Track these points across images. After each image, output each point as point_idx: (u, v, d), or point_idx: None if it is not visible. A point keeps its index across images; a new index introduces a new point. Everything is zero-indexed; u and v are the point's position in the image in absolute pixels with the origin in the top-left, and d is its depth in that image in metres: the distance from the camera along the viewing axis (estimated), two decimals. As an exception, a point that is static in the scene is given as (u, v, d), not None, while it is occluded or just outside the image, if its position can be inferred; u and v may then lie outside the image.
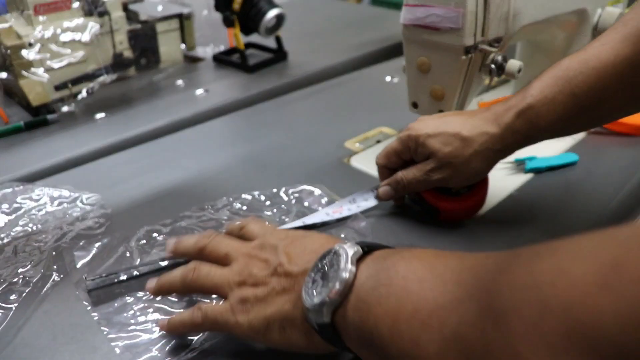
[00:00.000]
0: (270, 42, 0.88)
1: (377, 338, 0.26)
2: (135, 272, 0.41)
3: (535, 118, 0.41)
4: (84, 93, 0.69)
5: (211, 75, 0.82)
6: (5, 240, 0.45)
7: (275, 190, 0.52)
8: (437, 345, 0.23)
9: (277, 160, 0.59)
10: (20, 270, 0.42)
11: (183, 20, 0.81)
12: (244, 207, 0.50)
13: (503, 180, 0.54)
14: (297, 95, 0.76)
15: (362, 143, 0.62)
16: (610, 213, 0.49)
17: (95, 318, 0.38)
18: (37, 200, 0.51)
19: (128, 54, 0.74)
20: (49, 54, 0.64)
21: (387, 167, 0.49)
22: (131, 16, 0.74)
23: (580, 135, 0.61)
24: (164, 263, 0.42)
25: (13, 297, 0.39)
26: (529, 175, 0.55)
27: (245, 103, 0.73)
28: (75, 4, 0.67)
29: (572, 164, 0.56)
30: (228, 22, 0.81)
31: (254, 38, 0.87)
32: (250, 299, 0.33)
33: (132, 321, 0.38)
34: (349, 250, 0.29)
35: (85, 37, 0.67)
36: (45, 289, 0.40)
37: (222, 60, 0.85)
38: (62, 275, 0.42)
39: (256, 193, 0.52)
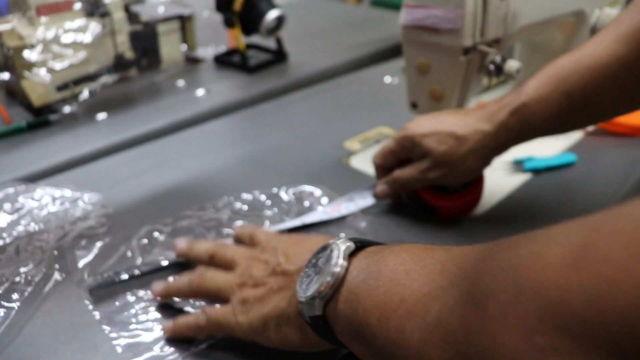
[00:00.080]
0: (271, 43, 0.88)
1: (366, 329, 0.26)
2: (137, 272, 0.42)
3: (529, 116, 0.42)
4: (85, 94, 0.70)
5: (212, 76, 0.82)
6: (8, 240, 0.46)
7: (275, 190, 0.53)
8: (420, 333, 0.23)
9: (277, 160, 0.59)
10: (22, 269, 0.42)
11: (184, 21, 0.81)
12: (245, 207, 0.50)
13: (501, 181, 0.54)
14: (297, 96, 0.76)
15: (361, 143, 0.62)
16: (608, 213, 0.49)
17: (97, 317, 0.38)
18: (38, 200, 0.51)
19: (129, 54, 0.74)
20: (51, 54, 0.65)
21: (384, 166, 0.49)
22: (132, 17, 0.74)
23: (579, 136, 0.62)
24: (165, 263, 0.42)
25: (15, 296, 0.40)
26: (528, 176, 0.55)
27: (245, 103, 0.74)
28: (77, 5, 0.67)
29: (570, 164, 0.56)
30: (229, 23, 0.81)
31: (255, 39, 0.88)
32: (250, 300, 0.34)
33: (134, 320, 0.38)
34: (342, 246, 0.30)
35: (87, 38, 0.67)
36: (47, 288, 0.41)
37: (223, 61, 0.86)
38: (63, 275, 0.42)
39: (257, 193, 0.52)
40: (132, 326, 0.37)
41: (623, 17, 0.40)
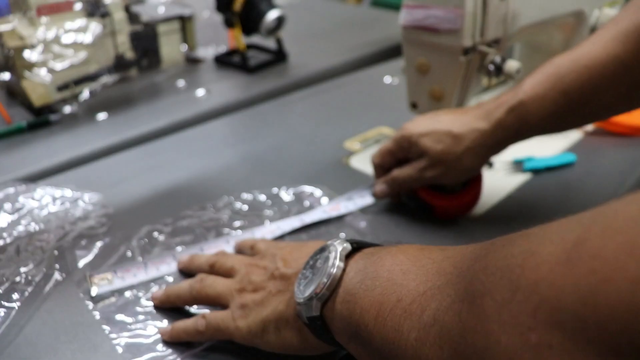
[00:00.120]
0: (271, 43, 0.88)
1: (363, 329, 0.27)
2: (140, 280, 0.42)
3: (525, 114, 0.42)
4: (86, 94, 0.70)
5: (212, 76, 0.82)
6: (8, 240, 0.46)
7: (275, 190, 0.53)
8: (417, 332, 0.24)
9: (277, 160, 0.59)
10: (22, 269, 0.42)
11: (184, 21, 0.81)
12: (245, 207, 0.50)
13: (501, 181, 0.54)
14: (297, 96, 0.76)
15: (361, 143, 0.62)
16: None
17: (97, 317, 0.38)
18: (39, 200, 0.51)
19: (130, 55, 0.74)
20: (52, 55, 0.65)
21: (383, 166, 0.49)
22: (133, 17, 0.75)
23: (578, 136, 0.62)
24: (171, 279, 0.42)
25: (15, 296, 0.40)
26: (527, 176, 0.55)
27: (245, 104, 0.74)
28: (78, 6, 0.67)
29: (570, 164, 0.56)
30: (229, 23, 0.81)
31: (255, 39, 0.88)
32: (249, 304, 0.34)
33: (134, 320, 0.38)
34: (338, 247, 0.30)
35: (88, 38, 0.67)
36: (47, 288, 0.41)
37: (223, 61, 0.86)
38: (64, 275, 0.42)
39: (257, 193, 0.52)
40: (132, 326, 0.37)
41: (621, 16, 0.40)
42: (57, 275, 0.42)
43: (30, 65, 0.64)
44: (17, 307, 0.39)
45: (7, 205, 0.50)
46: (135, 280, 0.41)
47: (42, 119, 0.66)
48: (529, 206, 0.51)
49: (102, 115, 0.69)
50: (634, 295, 0.16)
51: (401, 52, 0.55)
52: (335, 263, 0.29)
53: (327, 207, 0.49)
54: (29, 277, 0.42)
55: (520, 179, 0.54)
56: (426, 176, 0.46)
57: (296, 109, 0.73)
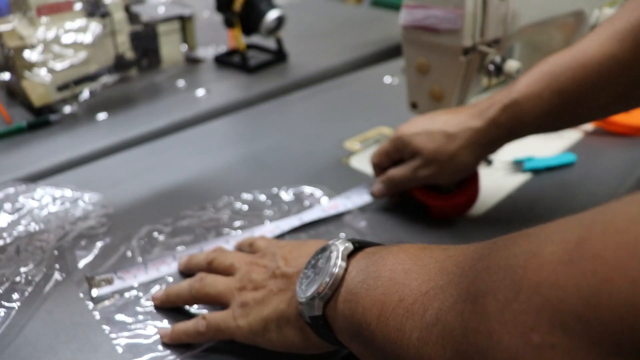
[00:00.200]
0: (271, 43, 0.88)
1: (365, 329, 0.27)
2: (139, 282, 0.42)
3: (520, 112, 0.42)
4: (86, 94, 0.70)
5: (212, 76, 0.82)
6: (8, 240, 0.46)
7: (275, 190, 0.53)
8: (419, 331, 0.24)
9: (277, 160, 0.59)
10: (22, 269, 0.42)
11: (184, 21, 0.81)
12: (245, 207, 0.50)
13: (501, 181, 0.54)
14: (297, 96, 0.76)
15: (361, 143, 0.62)
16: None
17: (97, 317, 0.38)
18: (39, 200, 0.51)
19: (130, 55, 0.74)
20: (52, 55, 0.65)
21: (381, 166, 0.50)
22: (133, 17, 0.75)
23: (579, 136, 0.62)
24: (171, 279, 0.42)
25: (15, 296, 0.40)
26: (527, 176, 0.55)
27: (245, 104, 0.74)
28: (78, 6, 0.67)
29: (570, 164, 0.56)
30: (229, 23, 0.81)
31: (255, 39, 0.88)
32: (249, 303, 0.34)
33: (134, 320, 0.38)
34: (340, 247, 0.30)
35: (88, 38, 0.67)
36: (47, 288, 0.41)
37: (223, 61, 0.86)
38: (64, 275, 0.42)
39: (257, 193, 0.52)
40: (132, 326, 0.37)
41: (618, 15, 0.40)
42: (57, 275, 0.42)
43: (30, 65, 0.64)
44: (17, 307, 0.39)
45: (7, 205, 0.50)
46: (135, 282, 0.41)
47: (42, 119, 0.66)
48: (529, 206, 0.51)
49: (102, 115, 0.69)
50: (635, 296, 0.16)
51: (401, 52, 0.55)
52: (337, 262, 0.29)
53: (325, 206, 0.50)
54: (29, 277, 0.42)
55: (520, 179, 0.55)
56: (420, 175, 0.46)
57: (296, 109, 0.73)
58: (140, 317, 0.38)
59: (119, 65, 0.73)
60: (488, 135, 0.43)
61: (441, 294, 0.24)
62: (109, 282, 0.40)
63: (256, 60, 0.85)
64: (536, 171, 0.55)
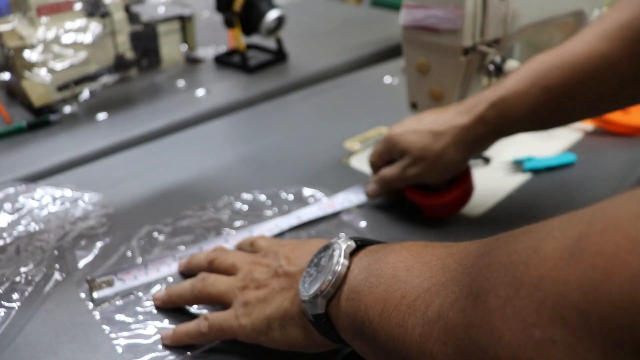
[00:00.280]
0: (271, 43, 0.88)
1: (368, 326, 0.27)
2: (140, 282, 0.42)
3: (507, 110, 0.42)
4: (86, 94, 0.70)
5: (212, 76, 0.82)
6: (8, 240, 0.46)
7: (275, 189, 0.53)
8: (421, 328, 0.24)
9: (277, 160, 0.59)
10: (22, 269, 0.42)
11: (184, 21, 0.81)
12: (245, 207, 0.50)
13: (501, 181, 0.54)
14: (297, 96, 0.76)
15: (361, 143, 0.62)
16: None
17: (97, 317, 0.38)
18: (39, 200, 0.51)
19: (130, 55, 0.74)
20: (52, 55, 0.65)
21: (377, 166, 0.50)
22: (133, 17, 0.75)
23: (579, 136, 0.62)
24: (171, 280, 0.42)
25: (15, 296, 0.40)
26: (527, 176, 0.55)
27: (245, 104, 0.74)
28: (78, 6, 0.67)
29: (570, 164, 0.56)
30: (229, 23, 0.81)
31: (255, 39, 0.88)
32: (252, 302, 0.34)
33: (134, 320, 0.38)
34: (343, 245, 0.30)
35: (88, 38, 0.67)
36: (47, 288, 0.41)
37: (223, 61, 0.86)
38: (64, 275, 0.42)
39: (257, 193, 0.52)
40: (132, 326, 0.37)
41: (607, 14, 0.40)
42: (57, 275, 0.42)
43: (30, 65, 0.64)
44: (17, 307, 0.39)
45: (7, 205, 0.50)
46: (135, 283, 0.41)
47: (42, 119, 0.66)
48: (529, 206, 0.51)
49: (102, 115, 0.69)
50: (635, 291, 0.16)
51: (401, 52, 0.55)
52: (339, 261, 0.29)
53: (323, 204, 0.50)
54: (29, 277, 0.42)
55: (520, 179, 0.55)
56: (408, 174, 0.46)
57: (296, 109, 0.73)
58: (141, 317, 0.38)
59: (119, 65, 0.73)
60: (474, 132, 0.43)
61: (443, 290, 0.24)
62: (110, 284, 0.40)
63: (256, 60, 0.85)
64: (536, 171, 0.55)
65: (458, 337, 0.22)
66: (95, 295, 0.39)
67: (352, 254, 0.30)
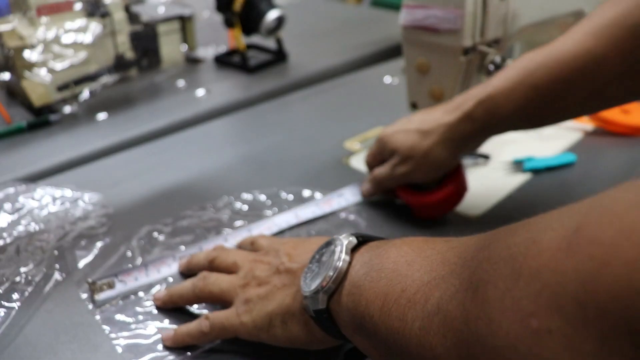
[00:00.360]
0: (271, 43, 0.88)
1: (368, 320, 0.27)
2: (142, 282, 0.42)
3: (494, 107, 0.42)
4: (86, 94, 0.70)
5: (212, 76, 0.82)
6: (8, 240, 0.46)
7: (275, 189, 0.53)
8: (421, 321, 0.24)
9: (277, 160, 0.59)
10: (22, 269, 0.42)
11: (184, 21, 0.81)
12: (245, 207, 0.50)
13: (501, 181, 0.54)
14: (297, 96, 0.76)
15: (361, 143, 0.62)
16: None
17: (97, 317, 0.38)
18: (39, 200, 0.51)
19: (130, 55, 0.74)
20: (52, 55, 0.65)
21: (372, 166, 0.51)
22: (133, 17, 0.75)
23: (579, 136, 0.62)
24: (171, 280, 0.42)
25: (15, 296, 0.40)
26: (527, 176, 0.55)
27: (245, 104, 0.74)
28: (78, 6, 0.67)
29: (570, 164, 0.56)
30: (229, 23, 0.81)
31: (255, 39, 0.88)
32: (253, 299, 0.34)
33: (134, 320, 0.38)
34: (344, 241, 0.30)
35: (88, 38, 0.67)
36: (47, 288, 0.41)
37: (223, 61, 0.86)
38: (64, 275, 0.42)
39: (257, 193, 0.52)
40: (132, 326, 0.37)
41: (596, 12, 0.40)
42: (57, 275, 0.42)
43: (30, 65, 0.64)
44: (17, 307, 0.39)
45: (7, 205, 0.50)
46: (136, 284, 0.41)
47: (42, 119, 0.66)
48: (529, 206, 0.51)
49: (102, 115, 0.69)
50: (631, 278, 0.16)
51: (401, 52, 0.55)
52: (341, 256, 0.29)
53: (320, 203, 0.50)
54: (29, 277, 0.42)
55: (520, 179, 0.55)
56: (398, 173, 0.46)
57: (296, 109, 0.73)
58: (141, 317, 0.38)
59: (119, 65, 0.73)
60: (462, 130, 0.43)
61: (443, 283, 0.24)
62: (111, 286, 0.40)
63: (256, 60, 0.85)
64: (536, 171, 0.55)
65: (457, 329, 0.22)
66: (96, 297, 0.39)
67: (353, 250, 0.30)
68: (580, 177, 0.54)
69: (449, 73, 0.51)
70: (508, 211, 0.50)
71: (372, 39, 0.96)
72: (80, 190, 0.53)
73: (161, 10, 0.81)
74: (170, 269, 0.42)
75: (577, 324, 0.17)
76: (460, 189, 0.47)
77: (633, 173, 0.54)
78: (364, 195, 0.51)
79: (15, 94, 0.72)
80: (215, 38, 0.94)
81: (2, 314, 0.38)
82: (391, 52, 0.91)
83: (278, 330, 0.32)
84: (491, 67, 0.51)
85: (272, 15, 0.80)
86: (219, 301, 0.37)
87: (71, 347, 0.36)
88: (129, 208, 0.51)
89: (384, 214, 0.50)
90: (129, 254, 0.44)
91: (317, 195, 0.52)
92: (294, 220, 0.48)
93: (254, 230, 0.47)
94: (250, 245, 0.42)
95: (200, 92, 0.76)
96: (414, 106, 0.57)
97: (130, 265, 0.43)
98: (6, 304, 0.39)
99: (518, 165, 0.56)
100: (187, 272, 0.42)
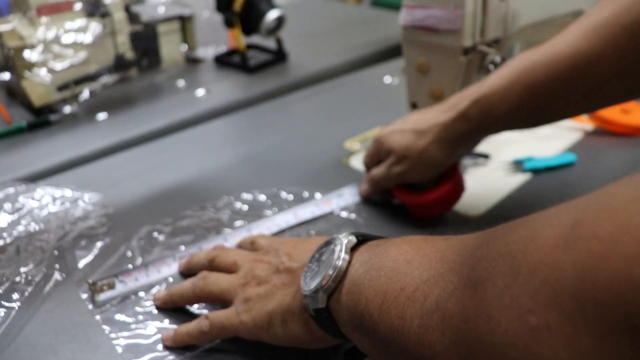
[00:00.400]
0: (271, 43, 0.88)
1: (368, 319, 0.27)
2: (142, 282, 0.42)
3: (488, 107, 0.42)
4: (86, 94, 0.70)
5: (212, 76, 0.82)
6: (8, 240, 0.46)
7: (275, 189, 0.53)
8: (420, 319, 0.24)
9: (277, 160, 0.59)
10: (22, 269, 0.42)
11: (184, 21, 0.81)
12: (245, 207, 0.50)
13: (501, 181, 0.54)
14: (297, 96, 0.76)
15: (361, 143, 0.62)
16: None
17: (97, 317, 0.38)
18: (39, 200, 0.51)
19: (130, 55, 0.74)
20: (52, 55, 0.65)
21: (369, 167, 0.51)
22: (133, 17, 0.75)
23: (578, 136, 0.62)
24: (171, 280, 0.42)
25: (15, 296, 0.40)
26: (527, 176, 0.55)
27: (245, 104, 0.74)
28: (78, 6, 0.67)
29: (570, 164, 0.56)
30: (229, 23, 0.81)
31: (255, 39, 0.88)
32: (253, 298, 0.34)
33: (134, 320, 0.38)
34: (344, 240, 0.30)
35: (88, 38, 0.67)
36: (47, 288, 0.41)
37: (223, 61, 0.86)
38: (64, 275, 0.42)
39: (257, 193, 0.52)
40: (132, 326, 0.37)
41: (590, 12, 0.40)
42: (57, 275, 0.42)
43: (30, 65, 0.64)
44: (17, 307, 0.39)
45: (7, 205, 0.50)
46: (136, 284, 0.41)
47: (42, 119, 0.66)
48: (529, 206, 0.50)
49: (102, 115, 0.69)
50: (630, 273, 0.16)
51: (401, 52, 0.55)
52: (340, 255, 0.29)
53: (319, 203, 0.50)
54: (29, 277, 0.42)
55: (520, 179, 0.55)
56: (393, 172, 0.47)
57: (296, 109, 0.73)
58: (141, 317, 0.38)
59: (119, 65, 0.73)
60: (457, 129, 0.43)
61: (442, 281, 0.24)
62: (111, 286, 0.40)
63: (256, 60, 0.85)
64: (536, 171, 0.55)
65: (456, 327, 0.22)
66: (97, 298, 0.39)
67: (353, 249, 0.30)
68: (580, 177, 0.54)
69: (449, 73, 0.51)
70: (508, 211, 0.50)
71: (372, 39, 0.96)
72: (80, 190, 0.53)
73: (161, 10, 0.81)
74: (170, 269, 0.42)
75: (576, 321, 0.17)
76: (457, 188, 0.47)
77: (633, 173, 0.54)
78: (362, 195, 0.51)
79: (15, 94, 0.72)
80: (215, 38, 0.94)
81: (2, 314, 0.38)
82: (391, 52, 0.91)
83: (278, 329, 0.32)
84: (491, 67, 0.50)
85: (272, 15, 0.80)
86: (219, 301, 0.37)
87: (71, 347, 0.36)
88: (129, 208, 0.51)
89: (384, 214, 0.50)
90: (129, 254, 0.44)
91: (317, 195, 0.52)
92: (293, 220, 0.48)
93: (254, 230, 0.47)
94: (250, 245, 0.42)
95: (200, 92, 0.76)
96: (414, 106, 0.56)
97: (130, 266, 0.43)
98: (6, 304, 0.39)
99: (518, 165, 0.56)
100: (187, 272, 0.42)
